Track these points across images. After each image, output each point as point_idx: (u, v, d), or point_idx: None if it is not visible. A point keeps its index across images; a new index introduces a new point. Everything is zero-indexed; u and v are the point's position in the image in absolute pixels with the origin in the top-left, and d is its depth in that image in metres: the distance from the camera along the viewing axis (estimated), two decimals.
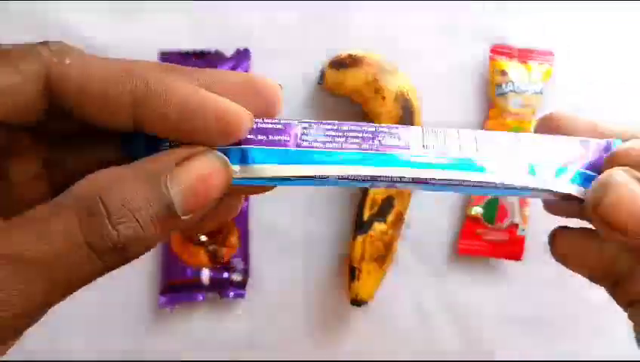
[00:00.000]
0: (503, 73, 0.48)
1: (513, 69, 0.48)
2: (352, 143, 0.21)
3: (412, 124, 0.45)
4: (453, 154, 0.21)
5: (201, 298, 0.47)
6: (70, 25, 0.46)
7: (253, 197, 0.48)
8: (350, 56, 0.46)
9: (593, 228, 0.21)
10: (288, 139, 0.20)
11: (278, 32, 0.48)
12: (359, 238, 0.45)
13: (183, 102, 0.17)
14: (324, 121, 0.21)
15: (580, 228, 0.22)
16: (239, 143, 0.20)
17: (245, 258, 0.48)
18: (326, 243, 0.49)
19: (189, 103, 0.17)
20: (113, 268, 0.17)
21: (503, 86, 0.48)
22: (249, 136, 0.20)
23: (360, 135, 0.21)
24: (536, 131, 0.24)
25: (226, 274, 0.47)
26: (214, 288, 0.47)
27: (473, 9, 0.49)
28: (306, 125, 0.21)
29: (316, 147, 0.21)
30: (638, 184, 0.18)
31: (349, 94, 0.46)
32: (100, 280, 0.45)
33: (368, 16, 0.48)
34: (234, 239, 0.47)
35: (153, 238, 0.17)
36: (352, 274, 0.46)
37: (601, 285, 0.23)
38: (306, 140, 0.21)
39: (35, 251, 0.16)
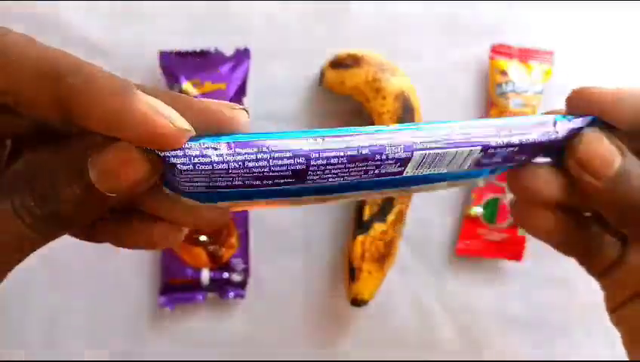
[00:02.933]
0: (503, 73, 0.48)
1: (513, 69, 0.48)
2: (353, 175, 0.20)
3: None
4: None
5: (201, 298, 0.47)
6: (70, 25, 0.46)
7: None
8: (350, 56, 0.46)
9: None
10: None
11: (278, 32, 0.48)
12: (359, 238, 0.45)
13: (108, 103, 0.17)
14: (332, 152, 0.19)
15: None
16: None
17: (245, 258, 0.48)
18: (326, 243, 0.49)
19: (113, 104, 0.17)
20: (54, 236, 0.19)
21: (503, 86, 0.48)
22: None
23: (364, 166, 0.20)
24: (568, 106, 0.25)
25: (226, 274, 0.47)
26: (214, 288, 0.47)
27: (473, 8, 0.49)
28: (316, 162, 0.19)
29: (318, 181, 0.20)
30: (607, 141, 0.22)
31: (349, 94, 0.46)
32: (100, 279, 0.45)
33: (368, 15, 0.48)
34: (234, 239, 0.47)
35: (80, 212, 0.19)
36: (352, 274, 0.46)
37: (571, 256, 0.25)
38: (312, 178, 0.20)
39: None
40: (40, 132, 0.20)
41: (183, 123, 0.18)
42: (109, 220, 0.22)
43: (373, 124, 0.46)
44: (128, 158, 0.18)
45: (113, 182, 0.18)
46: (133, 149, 0.18)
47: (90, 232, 0.22)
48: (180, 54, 0.46)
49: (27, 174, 0.19)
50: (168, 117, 0.18)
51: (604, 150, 0.22)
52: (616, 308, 0.25)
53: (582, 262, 0.26)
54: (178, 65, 0.46)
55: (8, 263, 0.19)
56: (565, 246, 0.25)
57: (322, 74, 0.46)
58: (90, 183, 0.18)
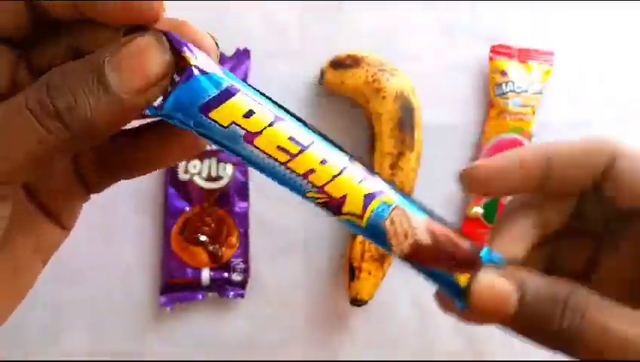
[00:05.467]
0: (503, 73, 0.48)
1: (513, 68, 0.48)
2: None
3: (412, 124, 0.45)
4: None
5: (201, 298, 0.47)
6: None
7: (253, 198, 0.48)
8: (350, 56, 0.46)
9: None
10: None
11: (278, 32, 0.48)
12: (359, 238, 0.45)
13: None
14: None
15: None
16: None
17: (245, 258, 0.48)
18: (326, 243, 0.49)
19: None
20: (61, 142, 0.18)
21: (503, 86, 0.48)
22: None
23: None
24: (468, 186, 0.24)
25: (226, 274, 0.47)
26: (214, 288, 0.47)
27: (473, 9, 0.49)
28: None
29: None
30: (498, 278, 0.22)
31: (349, 94, 0.46)
32: (100, 279, 0.45)
33: (368, 16, 0.48)
34: (234, 239, 0.47)
35: (89, 111, 0.18)
36: (352, 274, 0.46)
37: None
38: None
39: None
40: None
41: None
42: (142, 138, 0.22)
43: (372, 124, 0.46)
44: (144, 48, 0.18)
45: (131, 77, 0.18)
46: (148, 40, 0.19)
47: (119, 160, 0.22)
48: None
49: (44, 76, 0.18)
50: None
51: (497, 296, 0.21)
52: None
53: None
54: None
55: (21, 167, 0.18)
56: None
57: (322, 74, 0.46)
58: (105, 80, 0.18)
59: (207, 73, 0.19)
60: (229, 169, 0.47)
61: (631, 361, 0.20)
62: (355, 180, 0.21)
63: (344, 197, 0.21)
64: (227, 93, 0.19)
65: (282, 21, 0.48)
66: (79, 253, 0.47)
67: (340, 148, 0.21)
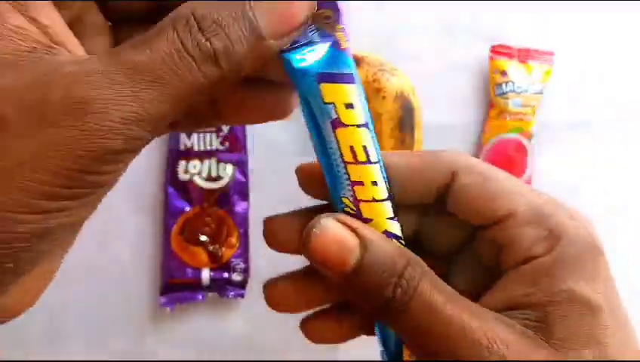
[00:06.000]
0: (503, 73, 0.48)
1: (513, 68, 0.48)
2: None
3: (412, 124, 0.45)
4: None
5: (201, 298, 0.47)
6: None
7: (253, 198, 0.48)
8: None
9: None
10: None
11: None
12: None
13: None
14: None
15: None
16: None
17: (245, 258, 0.48)
18: None
19: None
20: (212, 85, 0.18)
21: (503, 86, 0.48)
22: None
23: None
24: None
25: (226, 274, 0.47)
26: (214, 288, 0.47)
27: (473, 9, 0.49)
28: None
29: None
30: (343, 228, 0.20)
31: None
32: (100, 279, 0.45)
33: (368, 16, 0.48)
34: (234, 239, 0.47)
35: (242, 55, 0.18)
36: None
37: None
38: None
39: (145, 59, 0.17)
40: None
41: None
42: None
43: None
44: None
45: (279, 23, 0.18)
46: None
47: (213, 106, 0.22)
48: None
49: (184, 10, 0.18)
50: None
51: (340, 244, 0.20)
52: None
53: None
54: None
55: (174, 98, 0.17)
56: None
57: None
58: (255, 22, 0.18)
59: (345, 51, 0.20)
60: (229, 169, 0.47)
61: (450, 344, 0.19)
62: (386, 214, 0.21)
63: (369, 221, 0.21)
64: (346, 78, 0.20)
65: None
66: (79, 253, 0.47)
67: (389, 188, 0.21)
